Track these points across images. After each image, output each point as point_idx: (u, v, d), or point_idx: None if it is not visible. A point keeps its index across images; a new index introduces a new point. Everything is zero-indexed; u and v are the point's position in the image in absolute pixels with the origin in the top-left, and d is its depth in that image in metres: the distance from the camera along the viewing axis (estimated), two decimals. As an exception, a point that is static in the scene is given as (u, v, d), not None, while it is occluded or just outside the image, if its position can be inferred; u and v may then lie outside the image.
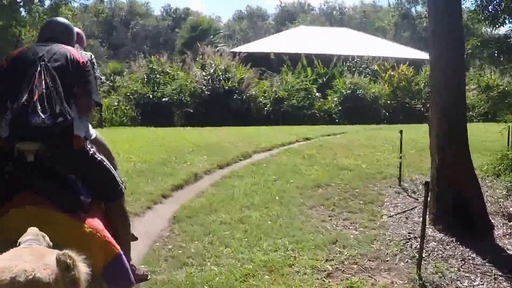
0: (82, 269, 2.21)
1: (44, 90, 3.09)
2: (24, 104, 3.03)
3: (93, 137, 4.04)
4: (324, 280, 5.27)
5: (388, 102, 26.30)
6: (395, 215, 7.62)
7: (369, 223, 7.18)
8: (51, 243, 2.63)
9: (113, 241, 3.20)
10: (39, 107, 3.02)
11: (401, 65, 27.36)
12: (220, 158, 11.34)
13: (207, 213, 7.43)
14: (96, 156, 3.49)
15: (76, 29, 4.28)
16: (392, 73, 27.40)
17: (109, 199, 3.66)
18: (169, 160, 10.90)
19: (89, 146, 3.48)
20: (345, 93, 25.57)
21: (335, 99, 25.82)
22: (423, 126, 16.81)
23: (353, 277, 5.35)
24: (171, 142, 13.31)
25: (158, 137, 14.10)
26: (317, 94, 26.09)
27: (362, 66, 29.51)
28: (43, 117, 3.01)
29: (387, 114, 25.94)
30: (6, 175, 3.21)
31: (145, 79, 26.01)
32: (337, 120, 24.93)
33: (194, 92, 24.78)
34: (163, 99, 24.60)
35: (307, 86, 25.83)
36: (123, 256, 3.24)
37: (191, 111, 24.22)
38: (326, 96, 26.17)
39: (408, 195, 8.71)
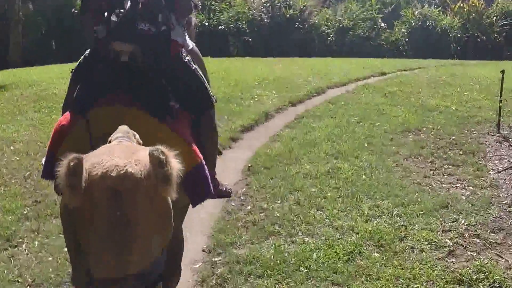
0: (175, 165, 2.04)
1: None
2: (129, 10, 3.02)
3: (189, 48, 3.68)
4: (447, 261, 4.20)
5: (459, 35, 24.50)
6: (504, 170, 6.46)
7: (477, 181, 6.04)
8: (141, 142, 2.55)
9: (197, 150, 3.05)
10: (146, 15, 3.02)
11: (471, -5, 25.43)
12: (291, 94, 10.29)
13: (287, 163, 6.39)
14: (191, 64, 3.33)
15: None
16: (461, 4, 25.52)
17: (199, 111, 3.40)
18: (234, 96, 9.90)
19: (184, 54, 3.34)
20: (414, 24, 23.84)
21: (403, 30, 24.13)
22: (503, 64, 15.48)
23: (479, 256, 4.27)
24: (233, 75, 12.23)
25: (218, 68, 12.90)
26: (382, 24, 24.46)
27: (430, -5, 27.55)
28: (149, 25, 3.02)
29: (458, 48, 24.21)
30: (96, 76, 3.13)
31: (199, 5, 24.66)
32: (404, 53, 23.36)
33: (252, 20, 23.49)
34: (219, 27, 23.41)
35: (372, 15, 24.21)
36: (205, 166, 3.06)
37: (249, 40, 23.00)
38: (393, 27, 24.51)
39: (510, 145, 7.47)
